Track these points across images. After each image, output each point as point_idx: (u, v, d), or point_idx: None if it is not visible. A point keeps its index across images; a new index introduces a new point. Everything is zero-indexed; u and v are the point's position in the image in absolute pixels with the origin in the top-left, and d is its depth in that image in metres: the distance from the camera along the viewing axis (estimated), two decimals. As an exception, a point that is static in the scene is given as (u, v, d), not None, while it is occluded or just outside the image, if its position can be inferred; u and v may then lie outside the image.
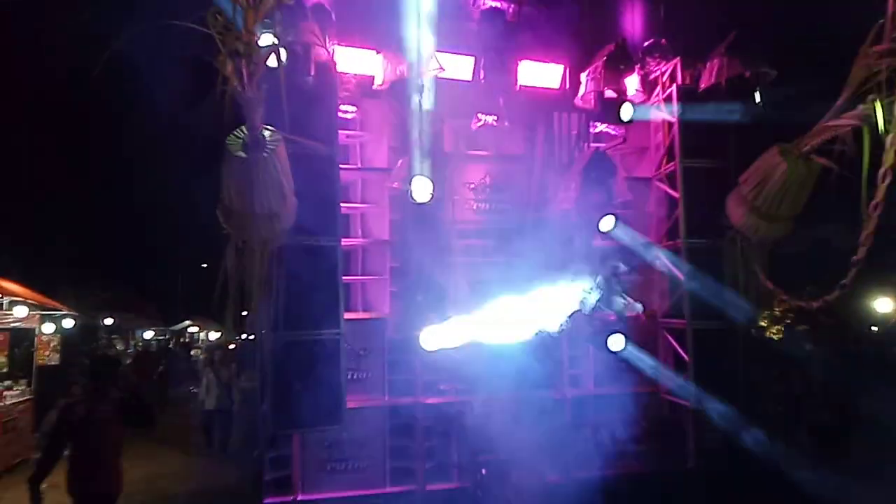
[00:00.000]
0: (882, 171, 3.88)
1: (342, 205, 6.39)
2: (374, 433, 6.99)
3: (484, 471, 6.80)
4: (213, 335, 35.99)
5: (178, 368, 23.41)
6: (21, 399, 10.96)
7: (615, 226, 6.93)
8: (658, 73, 7.58)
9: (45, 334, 12.71)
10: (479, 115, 7.06)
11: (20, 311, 10.89)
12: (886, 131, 3.90)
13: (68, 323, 13.55)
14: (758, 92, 6.77)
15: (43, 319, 12.48)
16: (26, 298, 10.96)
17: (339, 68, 6.40)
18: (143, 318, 29.71)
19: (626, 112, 6.86)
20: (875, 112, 4.13)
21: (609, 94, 6.86)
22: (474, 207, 7.52)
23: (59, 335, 13.39)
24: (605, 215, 6.88)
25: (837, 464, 8.24)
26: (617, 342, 6.73)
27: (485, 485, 6.76)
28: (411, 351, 6.50)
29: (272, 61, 4.60)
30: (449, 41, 6.98)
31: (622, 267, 6.98)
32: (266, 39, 4.85)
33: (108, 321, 23.85)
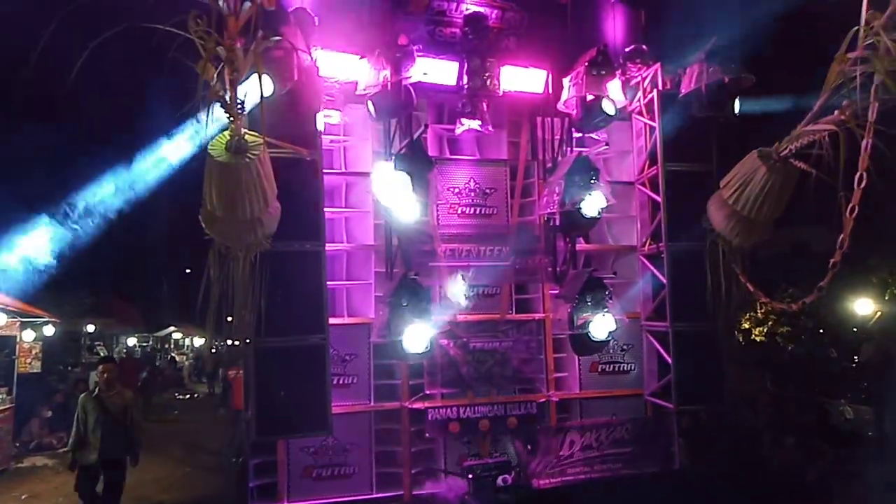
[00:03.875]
0: (857, 175, 3.95)
1: (326, 209, 6.38)
2: (360, 439, 6.98)
3: (471, 476, 6.80)
4: (198, 341, 35.72)
5: (162, 375, 23.20)
6: (1, 408, 10.81)
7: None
8: (639, 78, 7.66)
9: (25, 342, 12.55)
10: (463, 119, 7.08)
11: (-1, 319, 10.74)
12: (861, 136, 3.97)
13: (49, 330, 13.38)
14: (737, 97, 6.85)
15: (23, 326, 12.32)
16: (6, 305, 10.81)
17: (322, 73, 6.40)
18: (127, 325, 29.40)
19: (609, 106, 6.88)
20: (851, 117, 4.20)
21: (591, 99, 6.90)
22: (458, 212, 7.55)
23: (40, 342, 13.22)
24: (588, 218, 6.91)
25: (822, 463, 8.36)
26: (601, 327, 6.74)
27: (471, 490, 6.76)
28: (397, 356, 6.49)
29: (254, 66, 4.59)
30: (432, 46, 7.01)
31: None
32: (248, 44, 4.84)
33: (91, 328, 23.60)
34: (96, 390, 7.19)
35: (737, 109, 6.91)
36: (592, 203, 6.78)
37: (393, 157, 6.49)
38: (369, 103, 6.52)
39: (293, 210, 5.65)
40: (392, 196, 6.21)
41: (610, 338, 6.89)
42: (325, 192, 6.40)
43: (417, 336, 6.13)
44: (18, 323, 12.02)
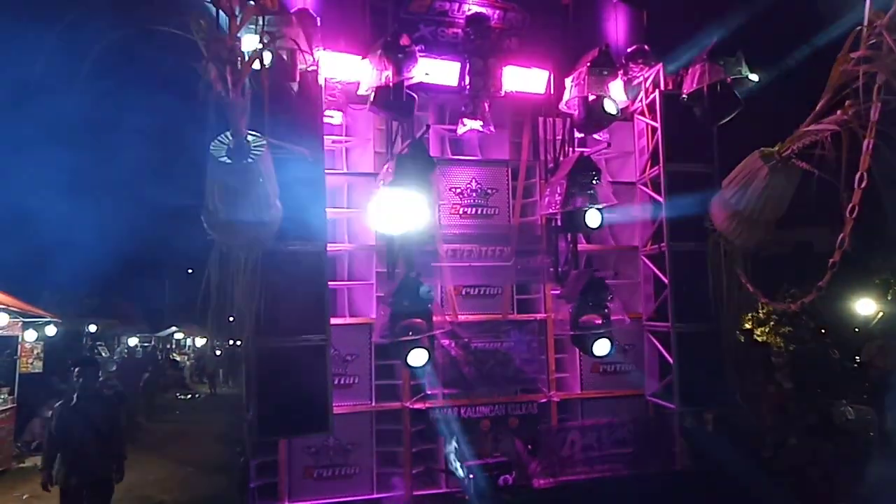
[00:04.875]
0: (858, 175, 3.94)
1: (328, 210, 6.38)
2: (361, 439, 6.98)
3: (472, 475, 6.80)
4: (200, 341, 35.76)
5: (164, 375, 23.20)
6: (2, 408, 10.83)
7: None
8: (641, 78, 7.66)
9: (27, 342, 12.57)
10: (465, 120, 7.09)
11: (1, 319, 10.76)
12: (863, 136, 3.97)
13: (51, 330, 13.40)
14: (739, 97, 6.84)
15: (25, 326, 12.35)
16: (8, 305, 10.83)
17: (325, 73, 6.40)
18: (129, 325, 29.45)
19: (611, 106, 6.87)
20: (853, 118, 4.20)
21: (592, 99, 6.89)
22: (460, 212, 7.55)
23: (41, 342, 13.25)
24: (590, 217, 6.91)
25: (824, 464, 8.34)
26: (602, 347, 6.77)
27: (472, 490, 6.76)
28: (397, 356, 6.49)
29: (256, 67, 4.60)
30: (434, 46, 7.02)
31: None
32: (250, 44, 4.85)
33: (93, 328, 23.64)
34: (74, 398, 6.37)
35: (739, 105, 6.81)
36: (594, 215, 6.79)
37: (395, 158, 6.49)
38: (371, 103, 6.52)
39: (295, 210, 5.65)
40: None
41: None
42: (328, 193, 6.40)
43: (420, 353, 6.15)
44: (20, 323, 12.04)
